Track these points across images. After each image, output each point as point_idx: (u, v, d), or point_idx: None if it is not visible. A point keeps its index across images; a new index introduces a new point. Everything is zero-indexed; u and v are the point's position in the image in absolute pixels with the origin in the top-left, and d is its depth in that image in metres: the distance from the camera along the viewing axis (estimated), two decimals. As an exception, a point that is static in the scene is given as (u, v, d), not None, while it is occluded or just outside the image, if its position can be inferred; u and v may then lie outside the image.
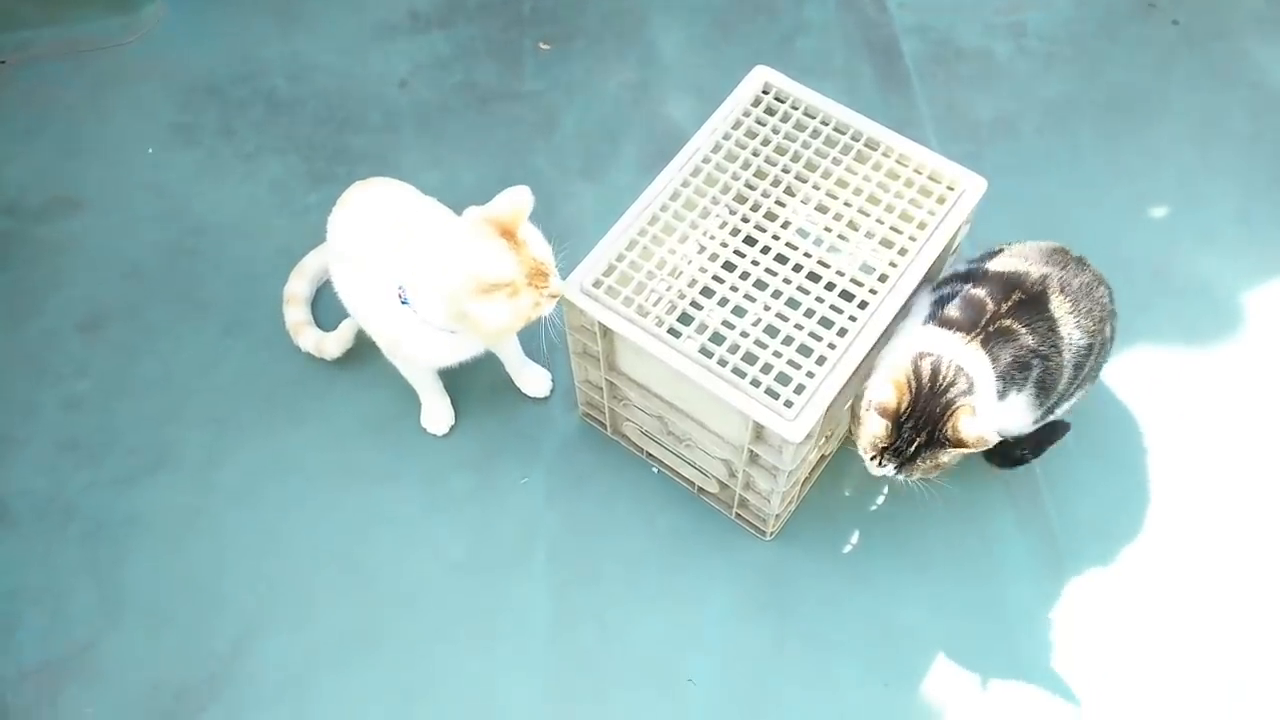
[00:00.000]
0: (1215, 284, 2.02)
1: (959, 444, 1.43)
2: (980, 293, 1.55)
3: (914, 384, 1.45)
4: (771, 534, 1.78)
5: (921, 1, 2.38)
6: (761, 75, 1.72)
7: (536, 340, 1.77)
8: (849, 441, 1.83)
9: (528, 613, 1.75)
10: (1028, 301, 1.54)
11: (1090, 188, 2.12)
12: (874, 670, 1.70)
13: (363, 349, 1.93)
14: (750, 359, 1.48)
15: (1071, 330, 1.56)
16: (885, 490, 1.84)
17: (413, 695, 1.70)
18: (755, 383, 1.46)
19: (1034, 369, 1.53)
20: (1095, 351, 1.63)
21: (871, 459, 1.51)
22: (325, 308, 1.99)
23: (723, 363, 1.47)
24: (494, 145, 2.22)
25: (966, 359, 1.48)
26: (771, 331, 1.51)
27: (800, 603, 1.75)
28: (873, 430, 1.48)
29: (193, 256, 2.11)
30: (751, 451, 1.56)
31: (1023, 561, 1.78)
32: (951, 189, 1.60)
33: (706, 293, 1.55)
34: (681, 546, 1.81)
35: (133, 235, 2.13)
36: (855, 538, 1.81)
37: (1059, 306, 1.56)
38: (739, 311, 1.53)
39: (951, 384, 1.45)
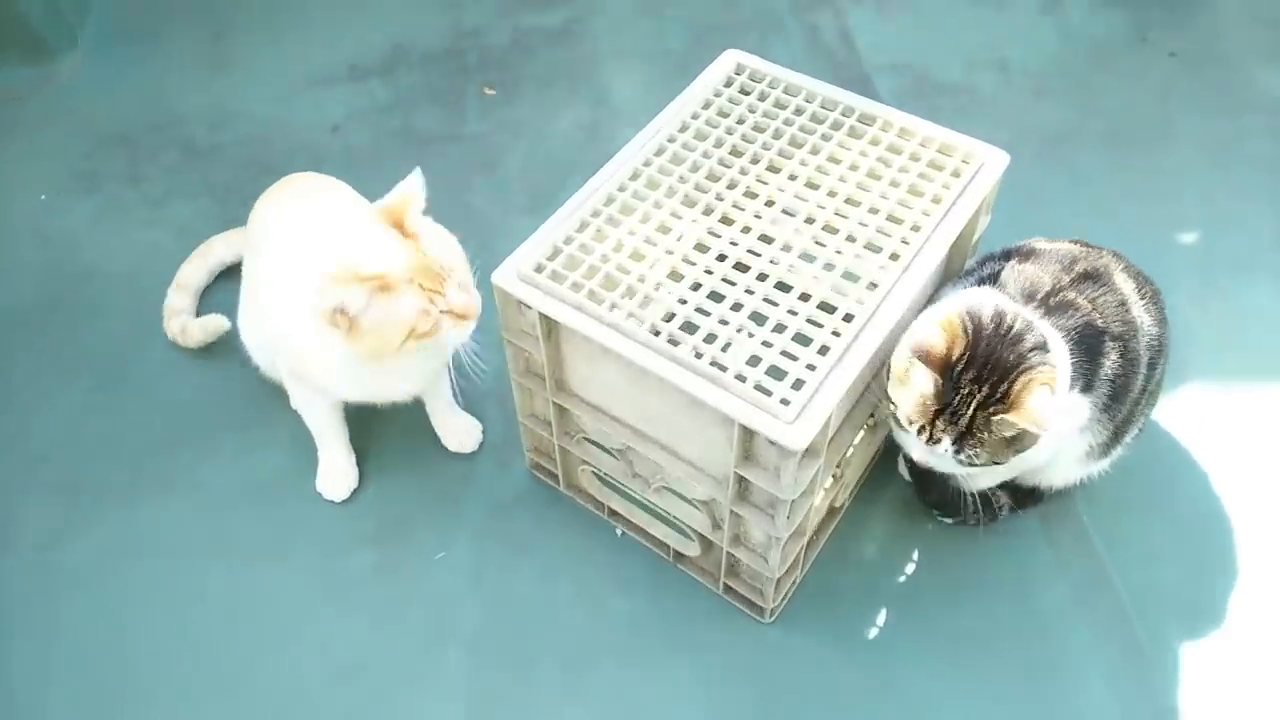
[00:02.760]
0: (1266, 310, 1.73)
1: (1014, 408, 1.10)
2: (1032, 267, 1.25)
3: (970, 327, 1.12)
4: (772, 612, 1.39)
5: (893, 41, 2.20)
6: (733, 57, 1.47)
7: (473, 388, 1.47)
8: (871, 482, 1.47)
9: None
10: (1091, 275, 1.24)
11: (1101, 213, 1.86)
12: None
13: (253, 402, 1.61)
14: (732, 350, 1.15)
15: (1141, 314, 1.26)
16: (915, 556, 1.47)
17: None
18: (740, 377, 1.11)
19: (1106, 357, 1.21)
20: (1163, 352, 1.32)
21: (920, 432, 1.16)
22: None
23: (698, 355, 1.13)
24: (429, 185, 1.94)
25: (1034, 320, 1.17)
26: (758, 319, 1.18)
27: (808, 709, 1.34)
28: (920, 388, 1.14)
29: (73, 307, 1.80)
30: (740, 480, 1.20)
31: (1089, 649, 1.38)
32: (967, 162, 1.32)
33: (675, 277, 1.23)
34: (649, 634, 1.40)
35: (6, 284, 1.83)
36: (881, 618, 1.42)
37: (1124, 284, 1.26)
38: (715, 296, 1.20)
39: (1023, 335, 1.13)
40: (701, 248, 1.25)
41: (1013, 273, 1.27)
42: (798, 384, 1.11)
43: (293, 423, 1.53)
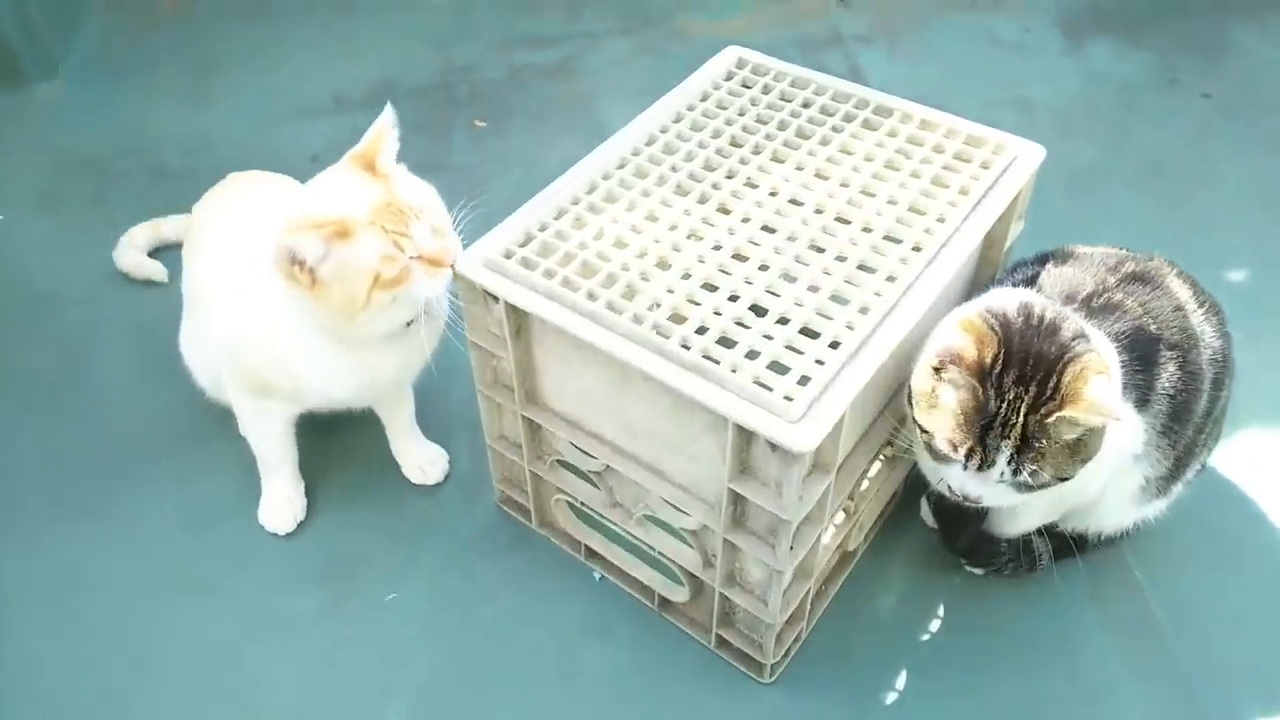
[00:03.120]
0: None
1: (1071, 401, 0.93)
2: (1071, 269, 1.10)
3: (997, 324, 0.95)
4: (772, 671, 1.19)
5: (905, 80, 2.09)
6: (734, 52, 1.35)
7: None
8: (889, 527, 1.29)
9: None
10: (1141, 277, 1.08)
11: (1139, 247, 1.71)
12: None
13: (195, 429, 1.46)
14: (727, 343, 0.98)
15: (1201, 324, 1.09)
16: (940, 612, 1.27)
17: None
18: (734, 369, 0.95)
19: (1163, 368, 1.04)
20: (1228, 370, 1.14)
21: (970, 456, 0.97)
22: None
23: (685, 347, 0.97)
24: None
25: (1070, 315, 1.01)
26: (758, 310, 1.02)
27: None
28: (955, 403, 0.97)
29: (14, 327, 1.66)
30: (735, 499, 1.02)
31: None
32: (997, 154, 1.18)
33: (663, 265, 1.07)
34: (628, 694, 1.20)
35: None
36: (900, 682, 1.21)
37: (1180, 290, 1.09)
38: (709, 287, 1.04)
39: (1059, 324, 0.96)
40: (695, 236, 1.10)
41: (1050, 276, 1.12)
42: (803, 380, 0.94)
43: (237, 451, 1.37)
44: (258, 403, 1.26)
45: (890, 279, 1.04)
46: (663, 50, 2.24)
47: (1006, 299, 1.03)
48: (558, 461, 1.23)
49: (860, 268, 1.06)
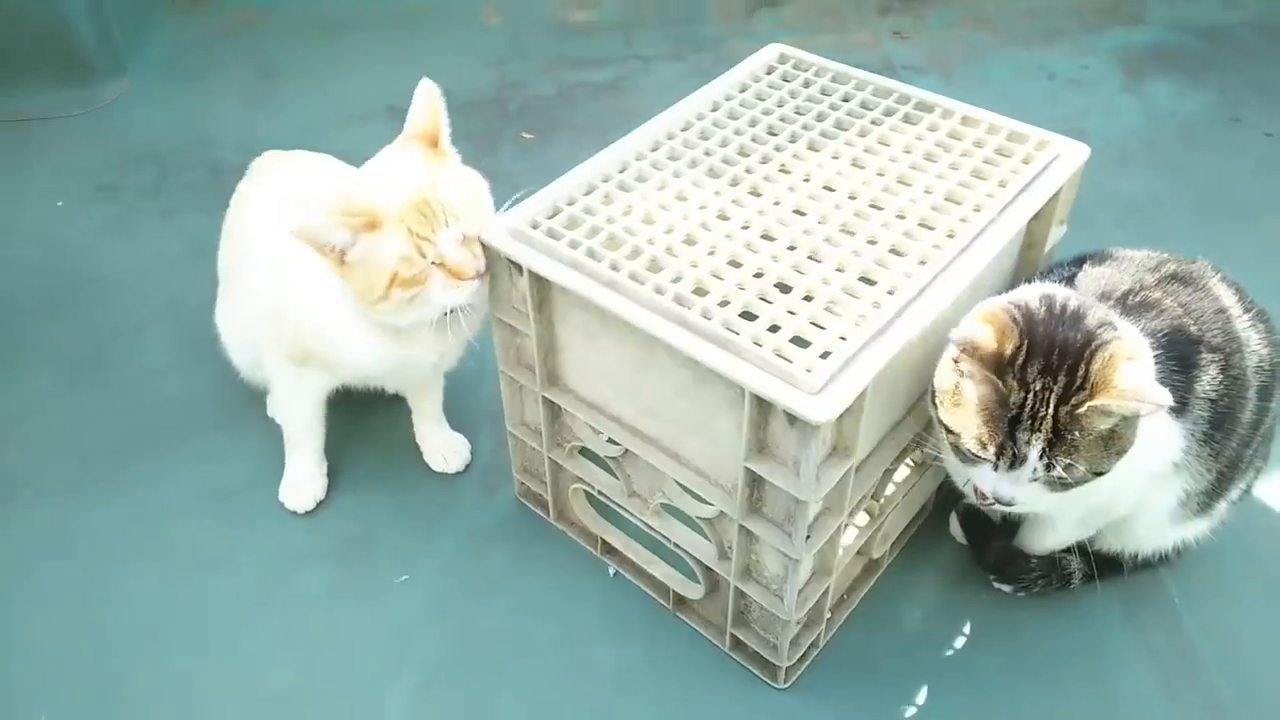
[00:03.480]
0: None
1: (1102, 390, 0.88)
2: (1109, 269, 1.06)
3: (1018, 315, 0.92)
4: (788, 675, 1.14)
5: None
6: (776, 49, 1.35)
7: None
8: (918, 541, 1.24)
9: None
10: (1181, 278, 1.05)
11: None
12: None
13: (227, 410, 1.47)
14: (749, 317, 0.96)
15: (1247, 329, 1.04)
16: (967, 629, 1.21)
17: None
18: (757, 342, 0.92)
19: (1203, 370, 0.99)
20: (1275, 380, 1.09)
21: (1001, 454, 0.93)
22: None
23: (706, 317, 0.95)
24: None
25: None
26: (783, 288, 0.99)
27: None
28: (978, 398, 0.93)
29: (62, 306, 1.69)
30: (752, 480, 0.99)
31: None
32: (1039, 150, 1.15)
33: (689, 242, 1.05)
34: (638, 691, 1.16)
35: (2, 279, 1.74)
36: (920, 696, 1.15)
37: (1224, 294, 1.05)
38: (734, 263, 1.02)
39: (1083, 312, 0.93)
40: (723, 217, 1.08)
41: (1087, 276, 1.08)
42: (825, 355, 0.91)
43: (266, 432, 1.39)
44: (295, 370, 1.25)
45: (922, 262, 1.01)
46: (710, 73, 2.20)
47: (1029, 292, 0.99)
48: (576, 449, 1.20)
49: (892, 251, 1.03)
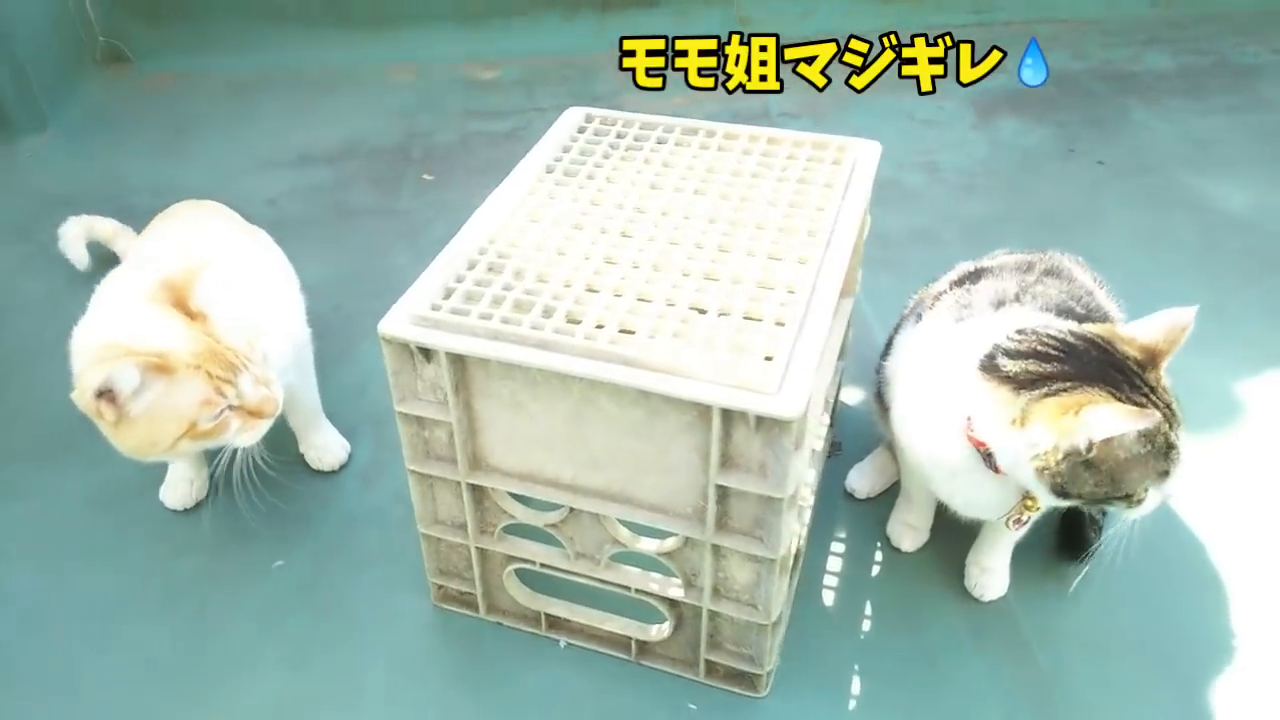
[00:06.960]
0: (1201, 379, 1.63)
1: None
2: (989, 283, 1.23)
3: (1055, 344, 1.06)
4: (768, 677, 1.17)
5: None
6: (578, 112, 1.40)
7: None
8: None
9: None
10: (1052, 270, 1.27)
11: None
12: None
13: None
14: (683, 342, 1.00)
15: (1108, 302, 1.29)
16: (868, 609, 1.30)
17: None
18: (700, 360, 0.96)
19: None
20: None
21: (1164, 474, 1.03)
22: None
23: (646, 352, 0.97)
24: (352, 247, 2.04)
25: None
26: (699, 310, 1.05)
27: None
28: (1133, 448, 1.00)
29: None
30: (721, 497, 1.02)
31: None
32: (842, 152, 1.30)
33: (592, 290, 1.07)
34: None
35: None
36: (889, 664, 1.22)
37: (1083, 277, 1.30)
38: (644, 300, 1.06)
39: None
40: (611, 261, 1.12)
41: (978, 293, 1.21)
42: (768, 358, 0.97)
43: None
44: None
45: (802, 261, 1.10)
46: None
47: (1026, 323, 1.09)
48: (506, 530, 1.17)
49: (771, 258, 1.11)
